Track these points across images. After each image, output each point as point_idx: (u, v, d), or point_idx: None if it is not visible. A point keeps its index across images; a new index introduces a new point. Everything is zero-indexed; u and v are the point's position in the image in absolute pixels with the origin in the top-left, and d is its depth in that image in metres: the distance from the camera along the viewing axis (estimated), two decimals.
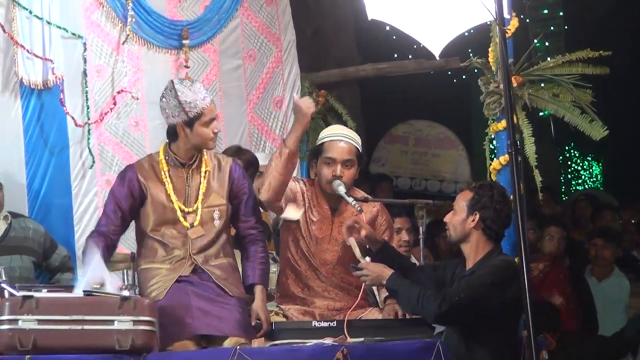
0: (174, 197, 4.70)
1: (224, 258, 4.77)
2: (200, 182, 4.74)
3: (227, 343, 4.48)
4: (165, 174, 4.73)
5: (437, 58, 5.49)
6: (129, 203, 4.72)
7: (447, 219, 4.62)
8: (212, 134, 4.70)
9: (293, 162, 4.88)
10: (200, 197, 4.73)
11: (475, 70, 5.29)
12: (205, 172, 4.76)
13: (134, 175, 4.73)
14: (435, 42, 5.23)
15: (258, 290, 4.79)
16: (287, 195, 4.99)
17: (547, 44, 11.90)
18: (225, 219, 4.79)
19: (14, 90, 6.32)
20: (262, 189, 4.86)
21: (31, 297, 4.07)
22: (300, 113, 4.81)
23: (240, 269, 4.93)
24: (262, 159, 6.48)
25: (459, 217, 4.54)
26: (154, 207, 4.71)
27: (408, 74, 8.65)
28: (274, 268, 5.37)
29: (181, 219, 4.69)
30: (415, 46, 9.40)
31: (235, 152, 6.10)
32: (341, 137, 5.06)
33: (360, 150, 5.12)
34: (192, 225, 4.70)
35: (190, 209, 4.72)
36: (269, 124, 7.62)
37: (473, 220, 4.49)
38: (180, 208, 4.70)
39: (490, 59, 5.14)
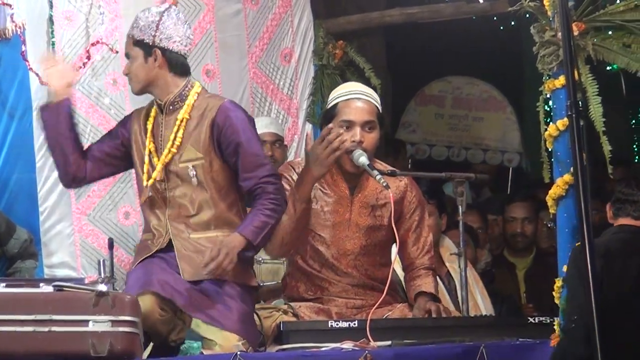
0: (149, 146, 4.78)
1: (215, 231, 4.73)
2: (171, 132, 4.75)
3: (220, 340, 4.49)
4: (151, 119, 4.83)
5: (481, 0, 5.46)
6: (113, 146, 4.90)
7: None
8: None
9: (308, 214, 4.91)
10: (166, 150, 4.73)
11: (527, 16, 5.26)
12: (182, 120, 4.74)
13: (128, 121, 4.92)
14: None
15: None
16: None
17: None
18: (209, 177, 4.73)
19: None
20: (273, 246, 4.88)
21: None
22: (316, 160, 4.77)
23: None
24: (266, 125, 6.47)
25: None
26: (136, 162, 4.86)
27: (444, 20, 8.59)
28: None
29: (145, 169, 4.79)
30: None
31: None
32: (358, 95, 5.03)
33: (381, 111, 5.09)
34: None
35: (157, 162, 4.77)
36: (275, 82, 7.58)
37: None
38: (150, 158, 4.78)
39: (546, 2, 5.10)
